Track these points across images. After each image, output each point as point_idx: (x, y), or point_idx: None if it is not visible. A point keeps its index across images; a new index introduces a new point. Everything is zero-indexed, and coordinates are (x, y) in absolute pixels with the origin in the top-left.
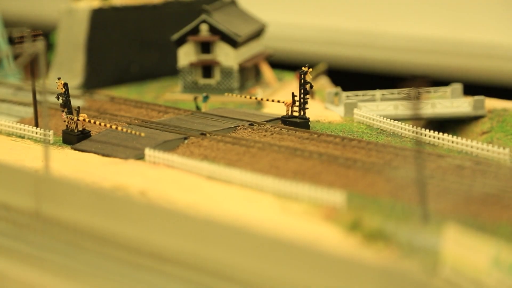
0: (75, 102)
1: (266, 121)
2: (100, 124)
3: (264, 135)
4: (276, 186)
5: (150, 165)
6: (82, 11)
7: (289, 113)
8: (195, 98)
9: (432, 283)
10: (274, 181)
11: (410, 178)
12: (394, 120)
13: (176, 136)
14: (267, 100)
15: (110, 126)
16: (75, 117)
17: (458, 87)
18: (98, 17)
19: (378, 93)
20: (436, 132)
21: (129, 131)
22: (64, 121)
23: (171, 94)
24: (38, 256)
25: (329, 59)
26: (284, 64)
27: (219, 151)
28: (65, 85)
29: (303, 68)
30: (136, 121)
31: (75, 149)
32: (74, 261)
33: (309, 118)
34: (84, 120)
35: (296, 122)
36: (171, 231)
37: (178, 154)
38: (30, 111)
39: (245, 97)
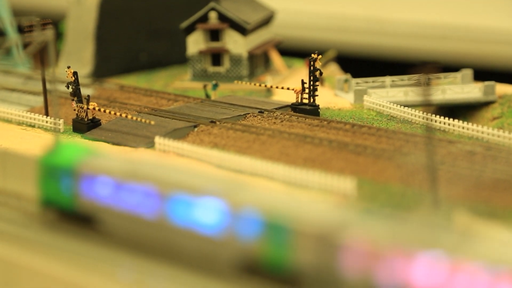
0: (84, 91)
1: (276, 109)
2: (110, 112)
3: (274, 123)
4: (286, 173)
5: None
6: (91, 0)
7: (299, 100)
8: (205, 86)
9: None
10: (284, 168)
11: (420, 164)
12: (404, 106)
13: (186, 124)
14: (277, 87)
15: (120, 115)
16: (85, 106)
17: (468, 72)
18: (107, 5)
19: (388, 79)
20: (447, 118)
21: (139, 119)
22: (74, 110)
23: (180, 82)
24: None
25: (339, 45)
26: (293, 51)
27: (229, 139)
28: (75, 73)
29: (312, 55)
30: (146, 109)
31: (85, 138)
32: None
33: (319, 105)
34: (94, 108)
35: (306, 109)
36: None
37: (188, 142)
38: (40, 100)
39: (255, 84)
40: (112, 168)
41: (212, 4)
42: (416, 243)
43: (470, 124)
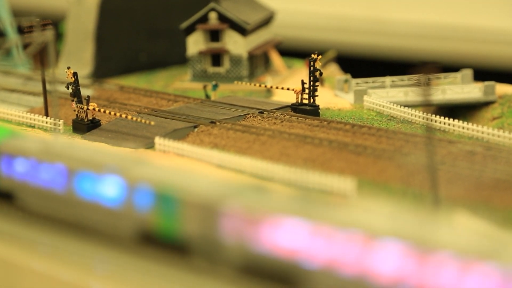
0: (84, 92)
1: (276, 109)
2: (110, 113)
3: (274, 123)
4: (286, 174)
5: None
6: (91, 0)
7: (299, 101)
8: (205, 87)
9: None
10: (284, 168)
11: (420, 165)
12: (404, 106)
13: (186, 124)
14: (277, 87)
15: (120, 115)
16: (85, 107)
17: (468, 72)
18: (107, 5)
19: (388, 79)
20: (447, 118)
21: (139, 120)
22: (74, 111)
23: (180, 82)
24: None
25: (338, 46)
26: (293, 52)
27: (229, 139)
28: (75, 74)
29: (312, 55)
30: (146, 110)
31: (85, 139)
32: None
33: (319, 105)
34: (94, 109)
35: (306, 109)
36: None
37: (188, 143)
38: (40, 100)
39: (255, 85)
40: (28, 148)
41: (212, 5)
42: (281, 212)
43: (470, 124)
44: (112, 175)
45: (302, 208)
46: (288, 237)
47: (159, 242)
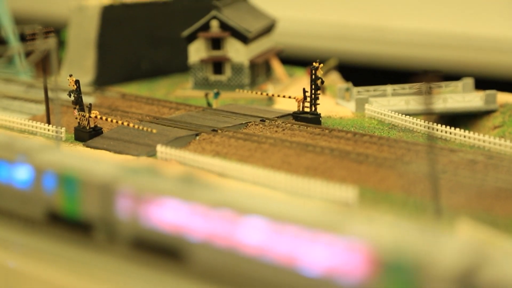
0: (86, 99)
1: (277, 117)
2: (111, 121)
3: (276, 131)
4: (288, 182)
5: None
6: (92, 8)
7: (300, 109)
8: (206, 95)
9: None
10: (286, 176)
11: (422, 173)
12: (406, 115)
13: (188, 132)
14: (278, 96)
15: (122, 123)
16: (87, 114)
17: (469, 81)
18: (109, 14)
19: (389, 88)
20: (448, 127)
21: (140, 127)
22: (76, 118)
23: (182, 90)
24: None
25: (340, 54)
26: (294, 60)
27: (231, 147)
28: (77, 82)
29: (314, 63)
30: (148, 117)
31: (87, 146)
32: None
33: (320, 113)
34: (95, 117)
35: (308, 117)
36: None
37: (189, 151)
38: (42, 108)
39: (256, 93)
40: None
41: (213, 13)
42: (166, 192)
43: (471, 133)
44: (22, 162)
45: (183, 190)
46: (172, 215)
47: (65, 221)
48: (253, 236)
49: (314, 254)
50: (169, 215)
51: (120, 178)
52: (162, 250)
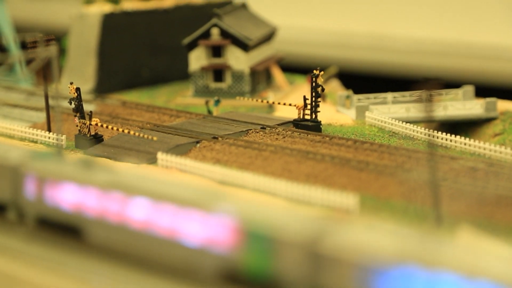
0: (87, 107)
1: (278, 125)
2: (112, 128)
3: (276, 139)
4: (289, 189)
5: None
6: (93, 16)
7: (301, 116)
8: (207, 102)
9: None
10: (287, 184)
11: (423, 181)
12: (406, 122)
13: (188, 140)
14: (279, 103)
15: (123, 131)
16: (88, 122)
17: (470, 89)
18: (109, 22)
19: (389, 95)
20: (448, 134)
21: (141, 135)
22: (77, 126)
23: (182, 98)
24: None
25: (340, 62)
26: (295, 68)
27: (231, 155)
28: (78, 89)
29: (314, 71)
30: (148, 125)
31: (87, 154)
32: None
33: (320, 121)
34: (96, 124)
35: (308, 125)
36: None
37: (190, 158)
38: (42, 116)
39: (257, 100)
40: None
41: (214, 21)
42: (66, 175)
43: (472, 140)
44: None
45: (80, 172)
46: (72, 195)
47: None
48: (140, 213)
49: (190, 228)
50: (69, 196)
51: (27, 161)
52: (63, 227)
